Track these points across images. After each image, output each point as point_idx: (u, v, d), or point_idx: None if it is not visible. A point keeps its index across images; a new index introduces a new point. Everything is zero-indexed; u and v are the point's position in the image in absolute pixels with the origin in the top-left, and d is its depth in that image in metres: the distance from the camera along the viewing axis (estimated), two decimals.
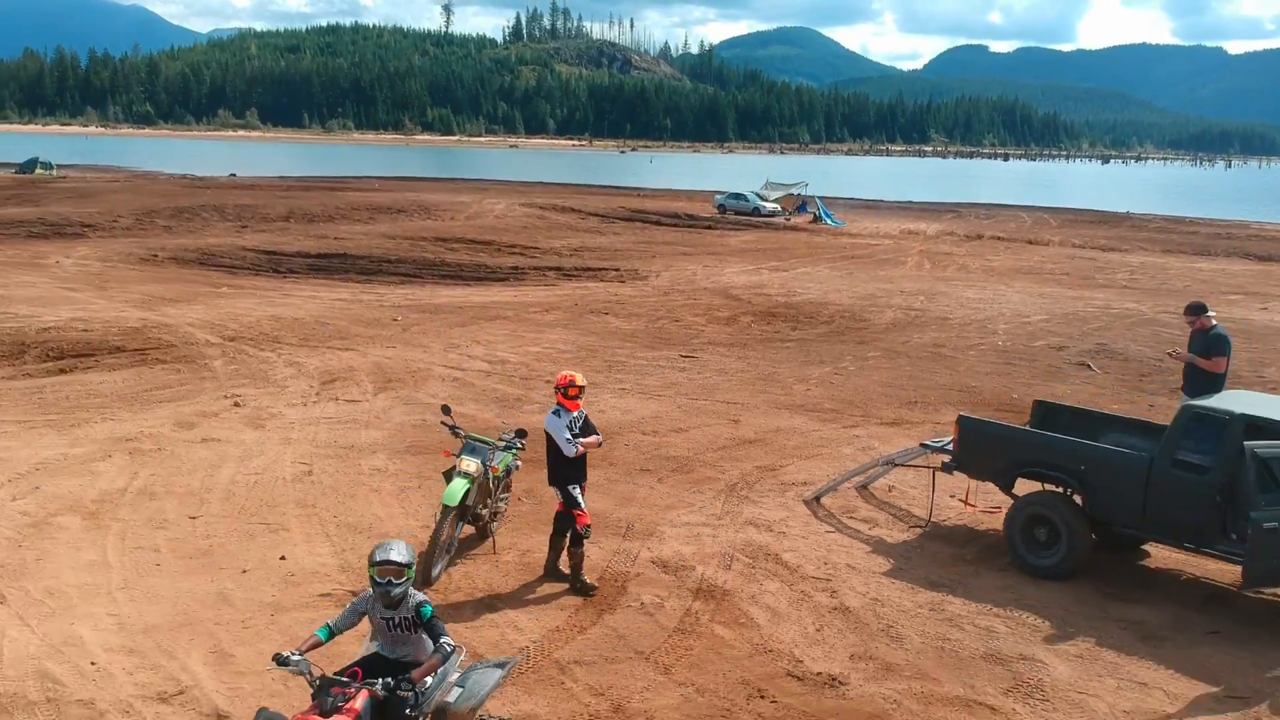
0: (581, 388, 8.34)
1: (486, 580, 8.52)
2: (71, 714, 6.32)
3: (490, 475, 8.82)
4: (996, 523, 9.84)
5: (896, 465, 11.38)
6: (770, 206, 52.53)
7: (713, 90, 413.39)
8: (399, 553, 5.41)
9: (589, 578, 8.34)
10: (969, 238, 45.16)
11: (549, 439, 8.30)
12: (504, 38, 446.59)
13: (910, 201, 75.20)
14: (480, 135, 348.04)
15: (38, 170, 78.89)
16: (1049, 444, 9.07)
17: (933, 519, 10.13)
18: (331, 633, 5.47)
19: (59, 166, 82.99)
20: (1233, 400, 8.74)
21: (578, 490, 8.33)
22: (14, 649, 7.06)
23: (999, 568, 9.04)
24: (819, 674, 7.10)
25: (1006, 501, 9.49)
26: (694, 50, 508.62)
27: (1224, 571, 8.81)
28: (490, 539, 9.16)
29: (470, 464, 8.52)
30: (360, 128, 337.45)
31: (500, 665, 5.78)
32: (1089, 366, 18.08)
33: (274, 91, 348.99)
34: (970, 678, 7.15)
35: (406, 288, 25.43)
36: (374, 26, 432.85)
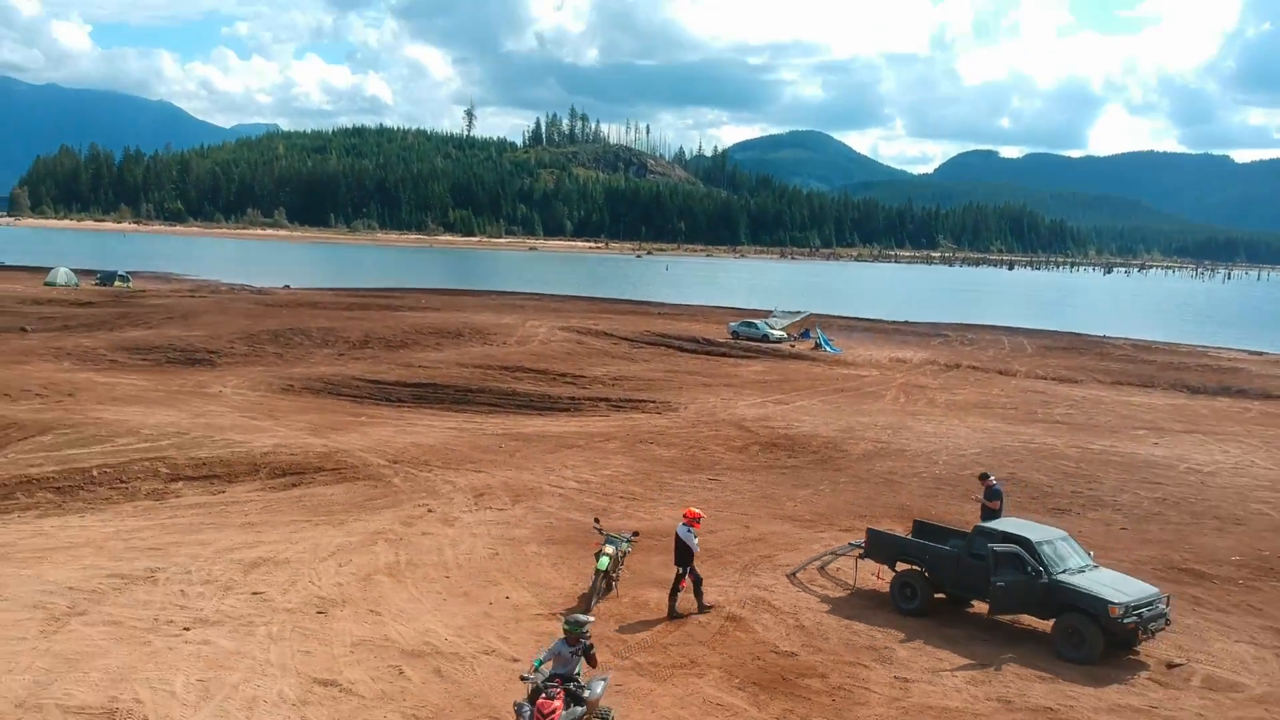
0: (700, 517, 16.18)
1: (617, 612, 16.19)
2: (447, 662, 13.97)
3: (619, 553, 16.59)
4: (885, 586, 17.49)
5: (838, 555, 19.07)
6: (777, 334, 60.72)
7: (725, 194, 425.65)
8: (588, 620, 12.37)
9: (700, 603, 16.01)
10: (947, 367, 53.12)
11: (679, 539, 16.00)
12: (524, 141, 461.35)
13: (906, 322, 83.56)
14: (500, 236, 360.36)
15: (116, 283, 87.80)
16: (911, 545, 16.87)
17: (857, 584, 17.81)
18: (541, 662, 11.66)
19: (129, 275, 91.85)
20: (999, 523, 16.57)
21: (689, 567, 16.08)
22: (402, 634, 14.75)
23: (886, 609, 16.69)
24: (786, 651, 14.75)
25: (889, 575, 17.20)
26: (708, 153, 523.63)
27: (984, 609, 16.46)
28: (615, 590, 16.85)
29: (610, 549, 16.33)
30: (384, 227, 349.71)
31: (604, 678, 12.71)
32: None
33: (301, 190, 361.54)
34: (858, 654, 14.79)
35: (495, 417, 33.39)
36: (398, 129, 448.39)
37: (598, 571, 16.10)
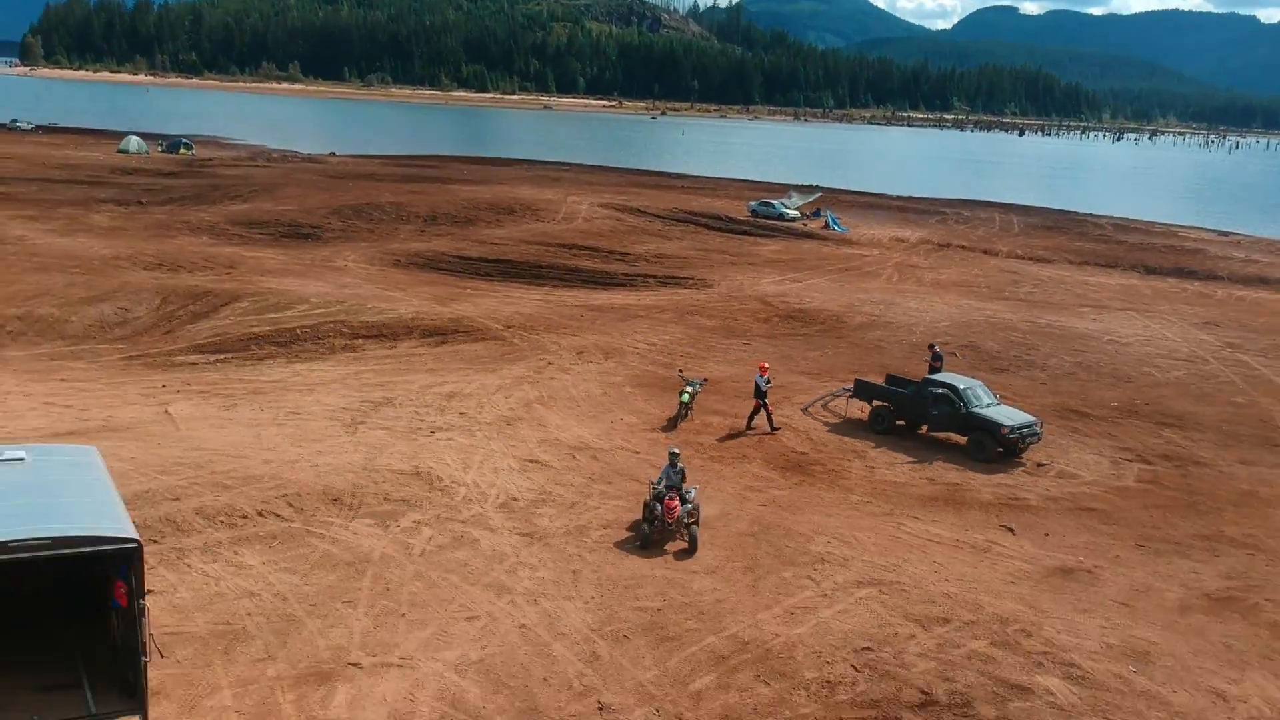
0: (768, 368, 25.08)
1: (694, 429, 25.23)
2: (598, 452, 23.08)
3: (695, 391, 25.58)
4: (864, 416, 26.50)
5: (836, 396, 28.05)
6: (792, 213, 68.71)
7: (739, 52, 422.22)
8: (679, 452, 21.27)
9: (770, 424, 25.13)
10: (939, 246, 61.38)
11: (756, 384, 24.88)
12: None
13: (909, 198, 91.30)
14: (513, 93, 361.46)
15: (181, 151, 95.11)
16: (883, 390, 25.90)
17: (846, 415, 26.87)
18: (660, 481, 20.52)
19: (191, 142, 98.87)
20: (939, 376, 25.52)
21: (765, 401, 25.04)
22: (564, 437, 23.83)
23: (864, 429, 25.80)
24: (801, 451, 23.89)
25: (868, 408, 26.26)
26: (722, 4, 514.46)
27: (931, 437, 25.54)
28: (690, 416, 25.85)
29: (690, 388, 25.28)
30: (398, 81, 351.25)
31: (695, 487, 21.54)
32: (955, 355, 34.54)
33: (314, 43, 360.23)
34: (845, 454, 23.94)
35: (568, 291, 42.05)
36: None
37: (681, 403, 25.07)
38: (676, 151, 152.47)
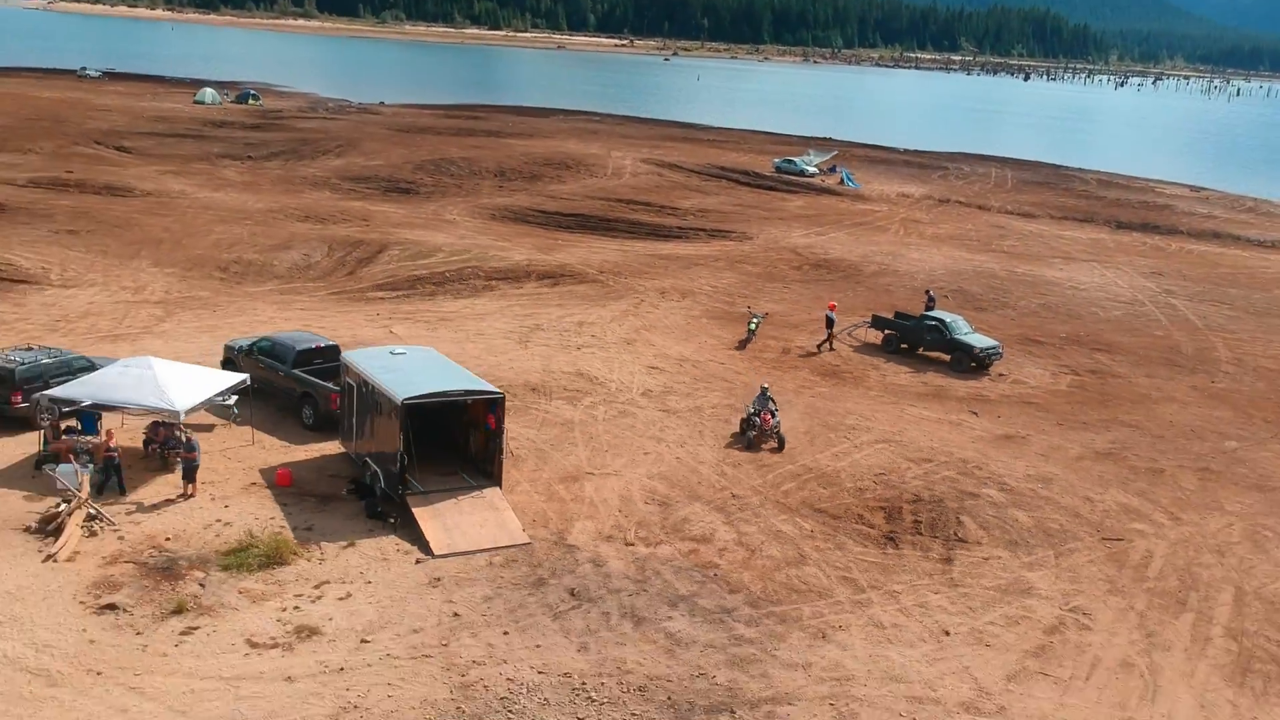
0: (835, 306, 35.54)
1: (757, 351, 35.56)
2: (698, 363, 33.47)
3: (758, 322, 35.91)
4: (879, 341, 36.83)
5: (858, 327, 38.35)
6: (811, 170, 78.44)
7: None
8: (768, 386, 31.62)
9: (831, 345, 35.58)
10: (940, 202, 71.30)
11: (828, 317, 35.38)
12: None
13: (915, 152, 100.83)
14: (525, 30, 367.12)
15: (250, 102, 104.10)
16: (892, 322, 36.30)
17: (865, 340, 37.22)
18: (754, 404, 30.67)
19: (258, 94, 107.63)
20: (933, 313, 35.90)
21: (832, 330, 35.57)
22: (669, 353, 34.23)
23: (879, 351, 36.17)
24: (834, 365, 34.34)
25: (881, 336, 36.64)
26: None
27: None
28: (755, 339, 36.15)
29: (755, 319, 35.63)
30: (411, 18, 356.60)
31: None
32: (946, 297, 44.70)
33: None
34: (865, 367, 34.37)
35: (638, 242, 52.10)
36: None
37: (749, 330, 35.39)
38: (697, 99, 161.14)
